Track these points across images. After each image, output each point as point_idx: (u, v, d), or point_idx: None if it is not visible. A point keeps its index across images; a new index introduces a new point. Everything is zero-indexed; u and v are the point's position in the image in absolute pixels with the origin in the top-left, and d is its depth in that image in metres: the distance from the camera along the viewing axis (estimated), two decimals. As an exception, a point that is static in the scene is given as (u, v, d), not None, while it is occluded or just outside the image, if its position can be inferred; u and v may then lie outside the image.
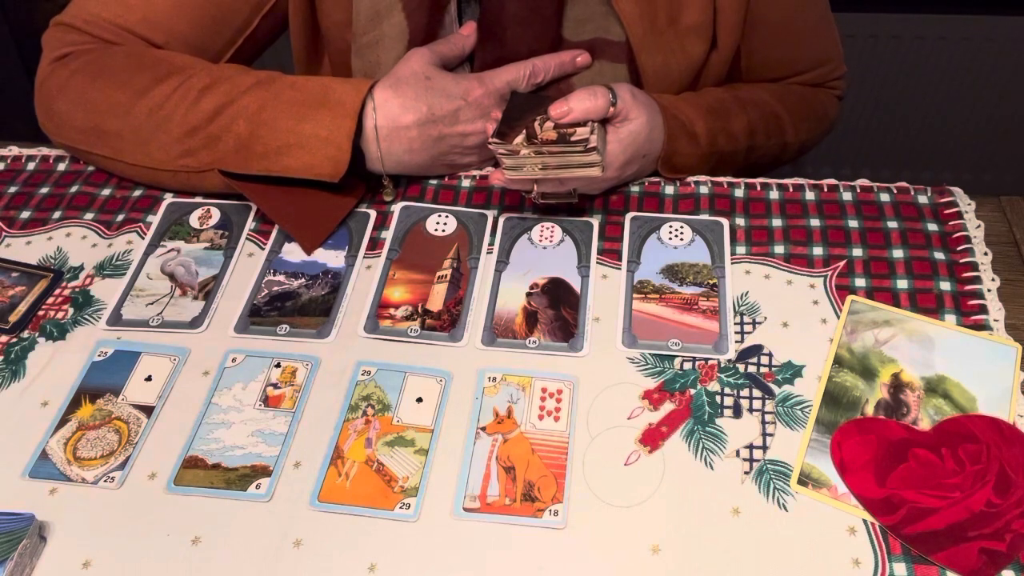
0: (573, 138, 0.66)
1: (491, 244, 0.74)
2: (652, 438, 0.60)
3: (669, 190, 0.78)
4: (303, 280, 0.71)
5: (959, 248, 0.70)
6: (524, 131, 0.67)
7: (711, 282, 0.69)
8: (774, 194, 0.76)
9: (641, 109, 0.71)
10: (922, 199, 0.75)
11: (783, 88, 0.86)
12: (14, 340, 0.68)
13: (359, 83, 0.72)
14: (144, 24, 0.76)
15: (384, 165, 0.74)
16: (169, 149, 0.73)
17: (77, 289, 0.72)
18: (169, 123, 0.72)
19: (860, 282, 0.69)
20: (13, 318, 0.69)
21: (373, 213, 0.76)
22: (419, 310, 0.68)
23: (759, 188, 0.77)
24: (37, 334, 0.68)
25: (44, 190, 0.80)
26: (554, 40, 0.77)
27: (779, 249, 0.72)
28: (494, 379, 0.63)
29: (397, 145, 0.73)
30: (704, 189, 0.77)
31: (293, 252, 0.74)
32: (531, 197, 0.72)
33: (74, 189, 0.80)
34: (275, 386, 0.64)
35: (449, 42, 0.76)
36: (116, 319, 0.69)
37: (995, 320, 0.65)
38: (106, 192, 0.80)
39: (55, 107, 0.76)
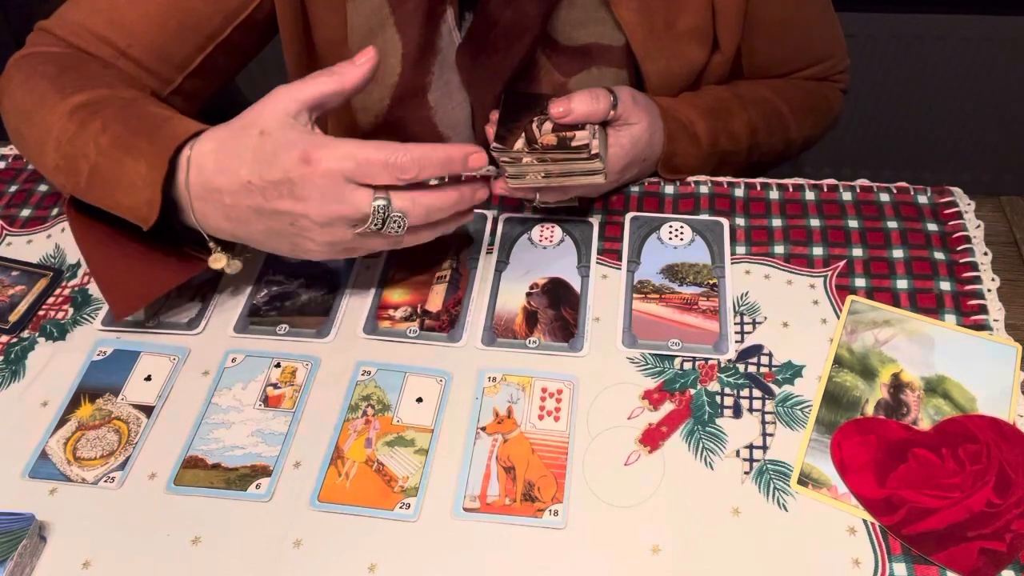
0: (574, 143, 0.66)
1: (491, 244, 0.74)
2: (652, 438, 0.60)
3: (669, 190, 0.77)
4: (302, 280, 0.71)
5: (959, 248, 0.70)
6: (523, 134, 0.67)
7: (711, 282, 0.69)
8: (774, 194, 0.76)
9: (642, 113, 0.71)
10: (922, 199, 0.75)
11: (784, 83, 0.86)
12: (14, 340, 0.68)
13: (192, 123, 0.62)
14: (109, 27, 0.74)
15: (204, 230, 0.62)
16: (49, 164, 0.66)
17: (76, 288, 0.72)
18: (49, 135, 0.66)
19: (860, 282, 0.69)
20: (13, 318, 0.69)
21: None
22: (418, 311, 0.68)
23: (759, 188, 0.77)
24: (37, 334, 0.68)
25: (43, 188, 0.81)
26: (546, 46, 0.77)
27: (779, 249, 0.72)
28: (494, 379, 0.63)
29: (213, 209, 0.60)
30: (704, 189, 0.77)
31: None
32: (532, 205, 0.72)
33: (74, 188, 0.80)
34: (275, 386, 0.64)
35: (327, 76, 0.60)
36: (112, 319, 0.69)
37: (995, 320, 0.65)
38: (106, 192, 0.80)
39: (2, 104, 0.74)
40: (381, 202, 0.57)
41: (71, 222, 0.66)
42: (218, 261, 0.64)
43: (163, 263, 0.65)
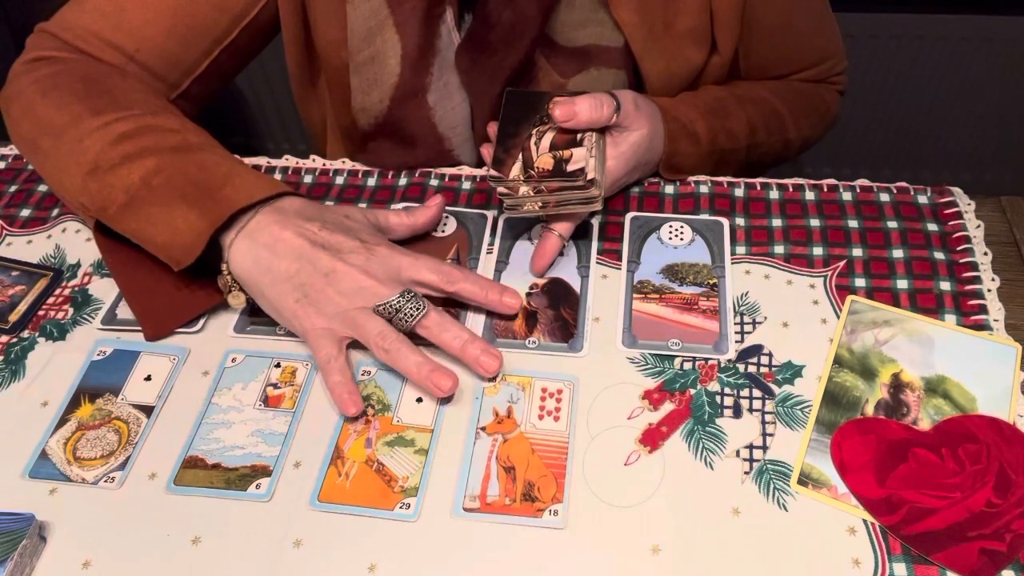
0: (570, 166, 0.65)
1: (491, 244, 0.74)
2: (652, 438, 0.60)
3: (669, 190, 0.78)
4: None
5: (959, 248, 0.70)
6: (520, 156, 0.67)
7: (711, 282, 0.69)
8: (774, 194, 0.76)
9: (643, 120, 0.71)
10: (922, 199, 0.75)
11: (782, 84, 0.86)
12: (14, 340, 0.68)
13: (261, 185, 0.65)
14: (117, 32, 0.74)
15: (227, 264, 0.65)
16: (75, 183, 0.68)
17: (76, 288, 0.72)
18: (83, 156, 0.67)
19: (860, 282, 0.69)
20: (13, 318, 0.69)
21: (373, 213, 0.77)
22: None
23: (759, 188, 0.77)
24: (37, 334, 0.68)
25: (43, 188, 0.81)
26: (545, 47, 0.77)
27: (779, 249, 0.72)
28: (494, 379, 0.63)
29: (249, 247, 0.63)
30: (704, 189, 0.77)
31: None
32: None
33: (74, 189, 0.80)
34: (275, 386, 0.64)
35: (400, 212, 0.71)
36: (111, 318, 0.69)
37: (995, 320, 0.65)
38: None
39: (9, 109, 0.75)
40: (411, 291, 0.63)
41: (100, 248, 0.68)
42: (236, 299, 0.66)
43: (194, 287, 0.67)
